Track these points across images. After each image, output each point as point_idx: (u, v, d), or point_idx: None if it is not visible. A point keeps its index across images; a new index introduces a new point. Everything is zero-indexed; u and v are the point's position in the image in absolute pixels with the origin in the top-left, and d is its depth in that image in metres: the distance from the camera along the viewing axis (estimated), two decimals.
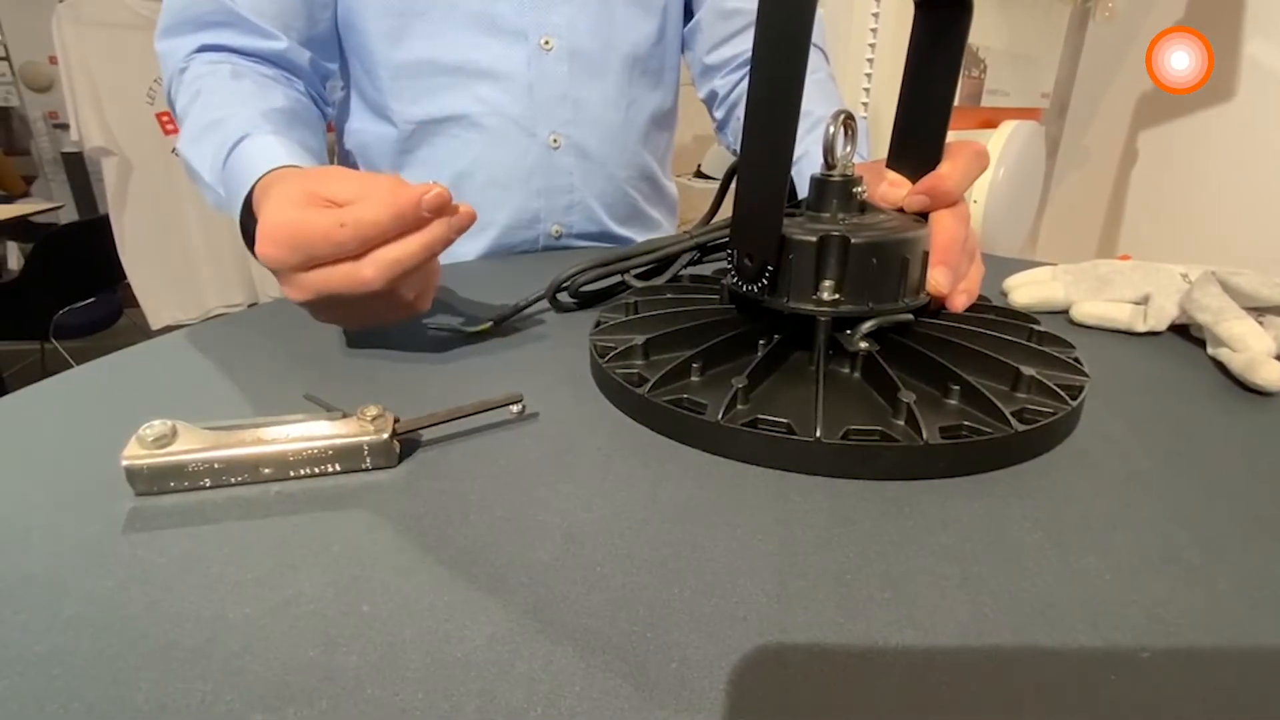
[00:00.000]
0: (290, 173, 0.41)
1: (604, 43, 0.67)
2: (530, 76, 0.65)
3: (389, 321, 0.40)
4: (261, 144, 0.46)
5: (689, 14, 0.74)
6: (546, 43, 0.65)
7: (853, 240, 0.32)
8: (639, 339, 0.35)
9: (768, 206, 0.33)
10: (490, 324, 0.43)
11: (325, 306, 0.37)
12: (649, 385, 0.32)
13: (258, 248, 0.35)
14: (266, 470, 0.27)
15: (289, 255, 0.34)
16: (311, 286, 0.35)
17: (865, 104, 1.32)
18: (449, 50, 0.63)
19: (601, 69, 0.68)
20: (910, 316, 0.35)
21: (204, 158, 0.49)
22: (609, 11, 0.67)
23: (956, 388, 0.31)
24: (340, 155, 0.74)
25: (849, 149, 0.36)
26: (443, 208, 0.34)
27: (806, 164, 0.60)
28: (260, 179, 0.42)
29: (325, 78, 0.65)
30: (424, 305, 0.40)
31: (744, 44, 0.72)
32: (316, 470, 0.28)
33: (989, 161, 0.40)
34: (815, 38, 0.66)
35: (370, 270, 0.34)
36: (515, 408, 0.31)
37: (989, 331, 0.36)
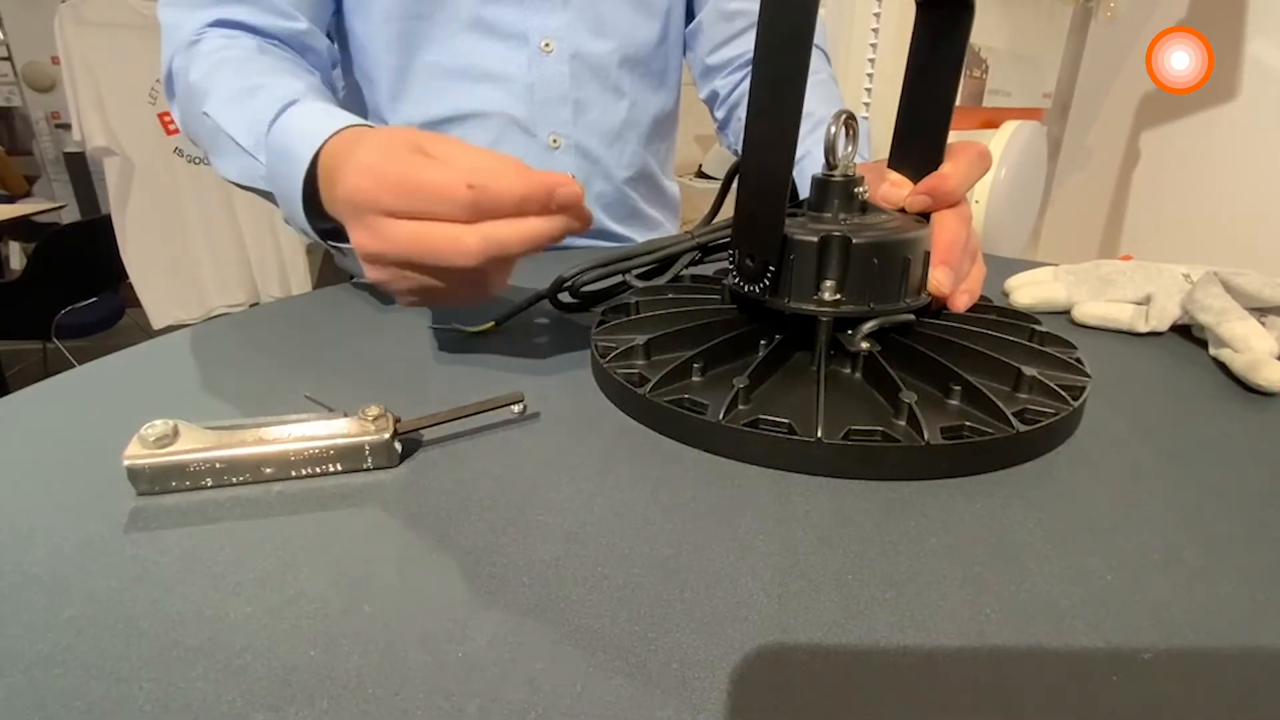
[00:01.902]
0: (380, 128, 0.38)
1: (605, 45, 0.67)
2: (530, 78, 0.65)
3: (453, 303, 0.37)
4: (315, 108, 0.42)
5: (690, 15, 0.74)
6: (547, 45, 0.65)
7: (854, 240, 0.32)
8: (640, 339, 0.35)
9: (769, 207, 0.33)
10: (491, 323, 0.43)
11: (399, 265, 0.33)
12: (650, 385, 0.32)
13: (347, 178, 0.32)
14: (268, 470, 0.27)
15: (389, 198, 0.31)
16: (398, 238, 0.31)
17: (867, 104, 1.32)
18: (451, 56, 0.63)
19: (602, 71, 0.68)
20: (911, 317, 0.35)
21: (240, 121, 0.46)
22: (610, 14, 0.67)
23: (958, 388, 0.31)
24: None
25: (850, 149, 0.36)
26: (573, 207, 0.32)
27: (808, 164, 0.60)
28: (335, 135, 0.38)
29: (336, 65, 0.64)
30: (491, 292, 0.36)
31: (745, 45, 0.72)
32: (318, 470, 0.28)
33: (991, 162, 0.40)
34: (817, 39, 0.66)
35: (475, 241, 0.30)
36: (516, 407, 0.31)
37: (990, 332, 0.36)
